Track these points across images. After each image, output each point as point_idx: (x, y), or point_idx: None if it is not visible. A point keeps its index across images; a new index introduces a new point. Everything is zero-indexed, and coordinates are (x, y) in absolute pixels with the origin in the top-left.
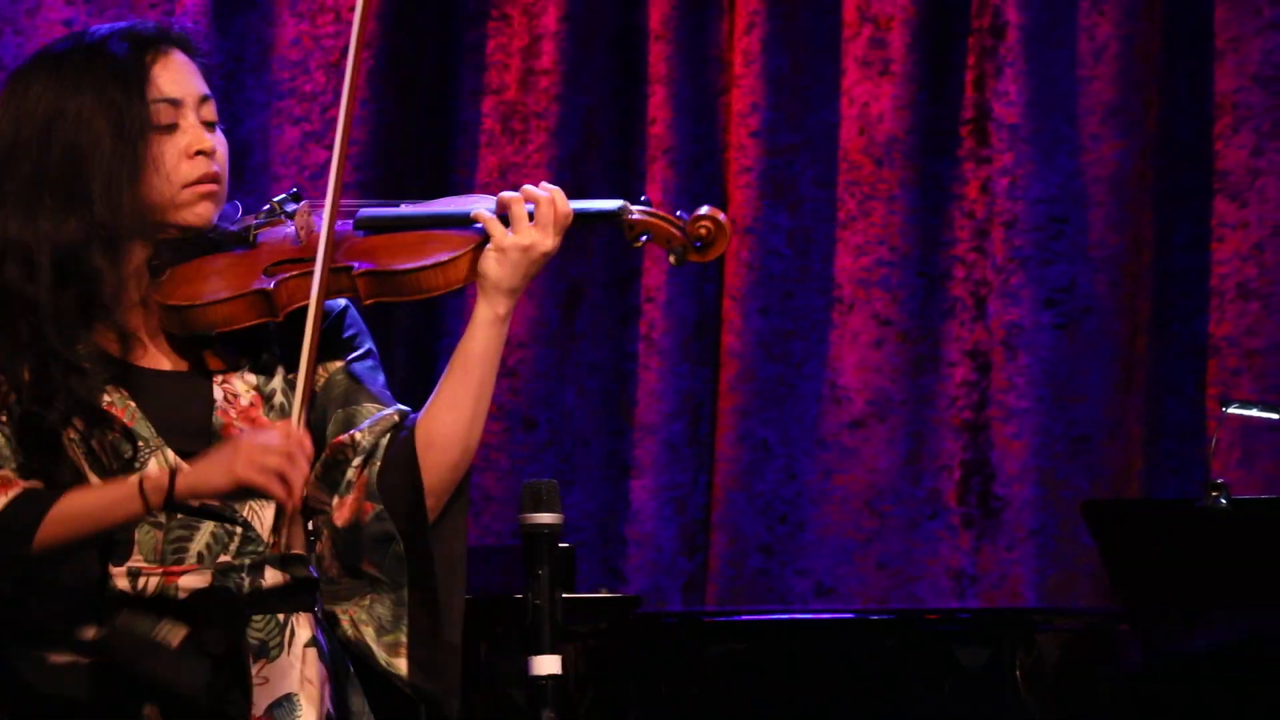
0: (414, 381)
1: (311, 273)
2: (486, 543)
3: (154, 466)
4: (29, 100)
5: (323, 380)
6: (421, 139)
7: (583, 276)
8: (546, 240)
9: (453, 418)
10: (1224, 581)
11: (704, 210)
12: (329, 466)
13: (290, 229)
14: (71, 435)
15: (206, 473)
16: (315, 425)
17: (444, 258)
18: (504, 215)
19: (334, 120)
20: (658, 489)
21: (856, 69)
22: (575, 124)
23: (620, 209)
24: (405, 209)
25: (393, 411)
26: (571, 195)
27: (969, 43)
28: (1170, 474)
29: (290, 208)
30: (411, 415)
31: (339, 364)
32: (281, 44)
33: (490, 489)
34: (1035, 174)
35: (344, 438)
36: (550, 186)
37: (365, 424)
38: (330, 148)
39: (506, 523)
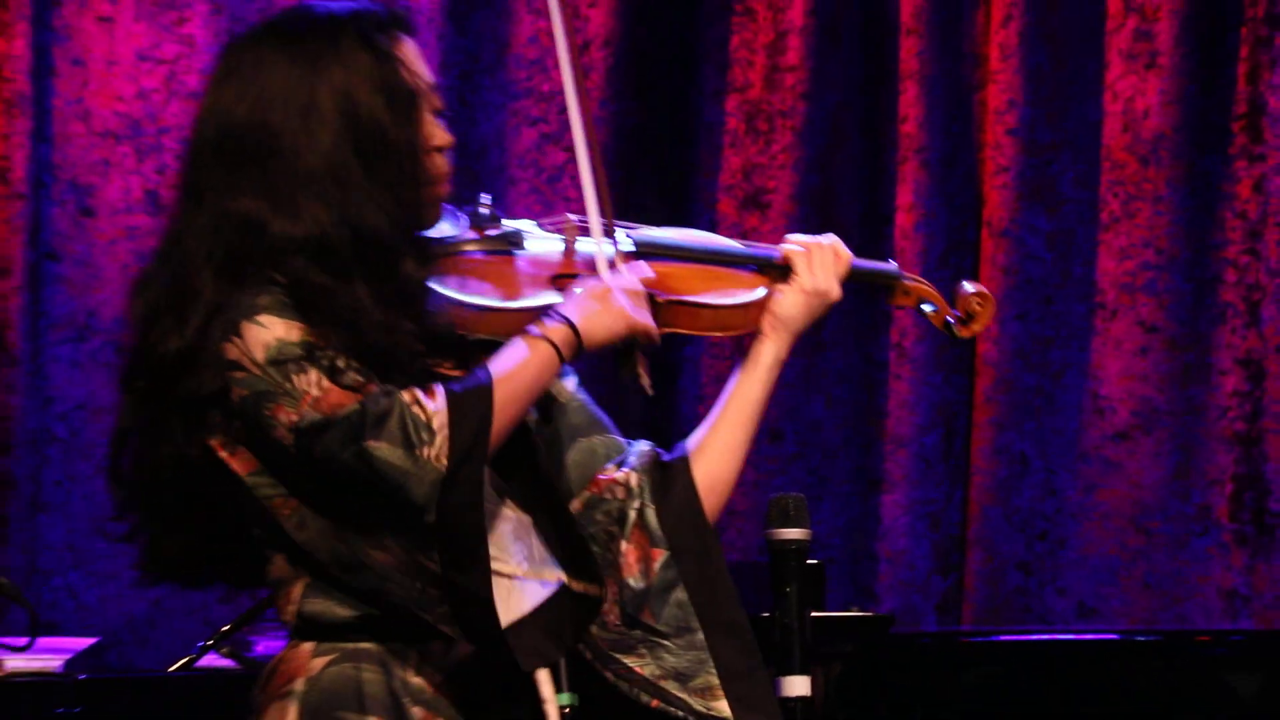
0: None
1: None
2: (732, 559)
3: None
4: (271, 82)
5: (560, 400)
6: (661, 140)
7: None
8: (835, 288)
9: (730, 461)
10: None
11: (972, 288)
12: (595, 502)
13: (548, 240)
14: None
15: (602, 321)
16: (550, 442)
17: (745, 298)
18: (786, 263)
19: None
20: (910, 504)
21: (1121, 62)
22: (822, 123)
23: (898, 273)
24: (678, 237)
25: (650, 449)
26: (820, 198)
27: (1242, 33)
28: None
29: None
30: (666, 451)
31: (570, 387)
32: (518, 42)
33: (735, 503)
34: None
35: (616, 475)
36: (831, 236)
37: (633, 462)
38: (569, 150)
39: (753, 538)
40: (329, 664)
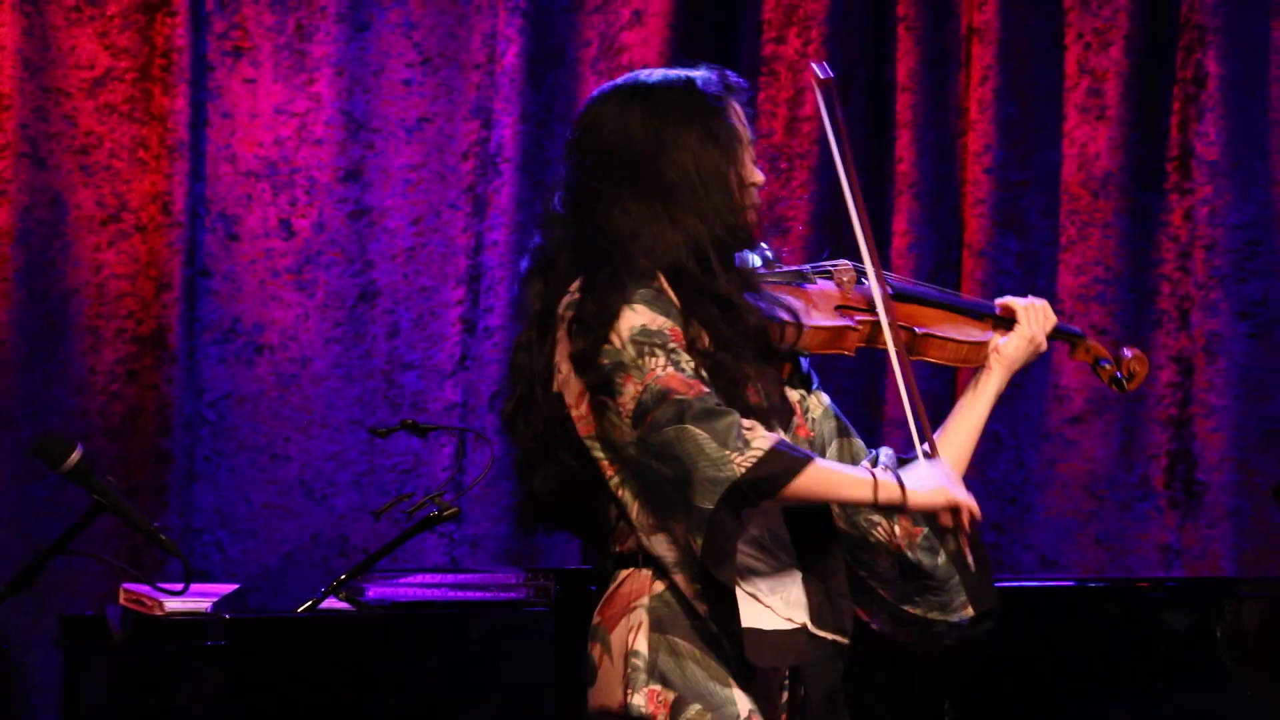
0: None
1: (877, 320)
2: None
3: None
4: (636, 121)
5: (819, 408)
6: None
7: None
8: (1044, 340)
9: (961, 463)
10: None
11: (1131, 353)
12: None
13: (826, 279)
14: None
15: (931, 494)
16: (815, 444)
17: (980, 338)
18: (1007, 314)
19: None
20: None
21: (1076, 114)
22: (832, 163)
23: (1083, 335)
24: (923, 287)
25: (893, 453)
26: (830, 224)
27: (1174, 91)
28: None
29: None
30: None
31: (825, 401)
32: (584, 97)
33: None
34: (1232, 204)
35: None
36: (1043, 301)
37: (884, 463)
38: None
39: None
40: (667, 588)
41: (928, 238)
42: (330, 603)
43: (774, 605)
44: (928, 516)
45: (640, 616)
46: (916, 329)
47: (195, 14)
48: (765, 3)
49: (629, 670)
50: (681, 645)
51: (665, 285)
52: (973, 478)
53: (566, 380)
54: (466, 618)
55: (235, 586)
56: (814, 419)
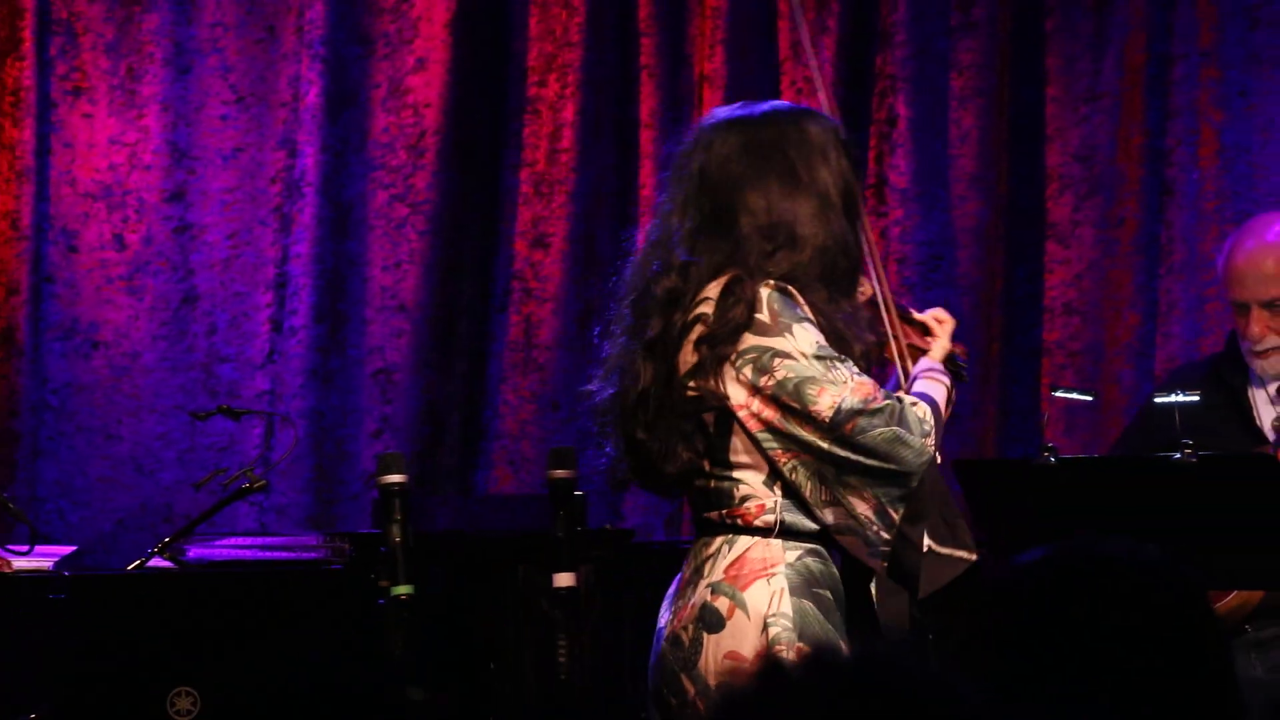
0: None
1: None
2: (522, 493)
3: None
4: (811, 138)
5: None
6: (476, 199)
7: (596, 297)
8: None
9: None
10: (1051, 518)
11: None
12: None
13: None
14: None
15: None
16: None
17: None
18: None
19: (413, 186)
20: None
21: None
22: (587, 188)
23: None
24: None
25: None
26: (585, 241)
27: (871, 130)
28: (1015, 441)
29: None
30: None
31: None
32: (375, 131)
33: (525, 451)
34: (919, 224)
35: None
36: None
37: None
38: (412, 205)
39: (539, 478)
40: (799, 556)
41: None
42: (156, 562)
43: (938, 543)
44: None
45: (781, 582)
46: (919, 347)
47: (40, 58)
48: (529, 52)
49: (772, 629)
50: (810, 608)
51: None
52: None
53: (721, 383)
54: (274, 575)
55: (74, 548)
56: None
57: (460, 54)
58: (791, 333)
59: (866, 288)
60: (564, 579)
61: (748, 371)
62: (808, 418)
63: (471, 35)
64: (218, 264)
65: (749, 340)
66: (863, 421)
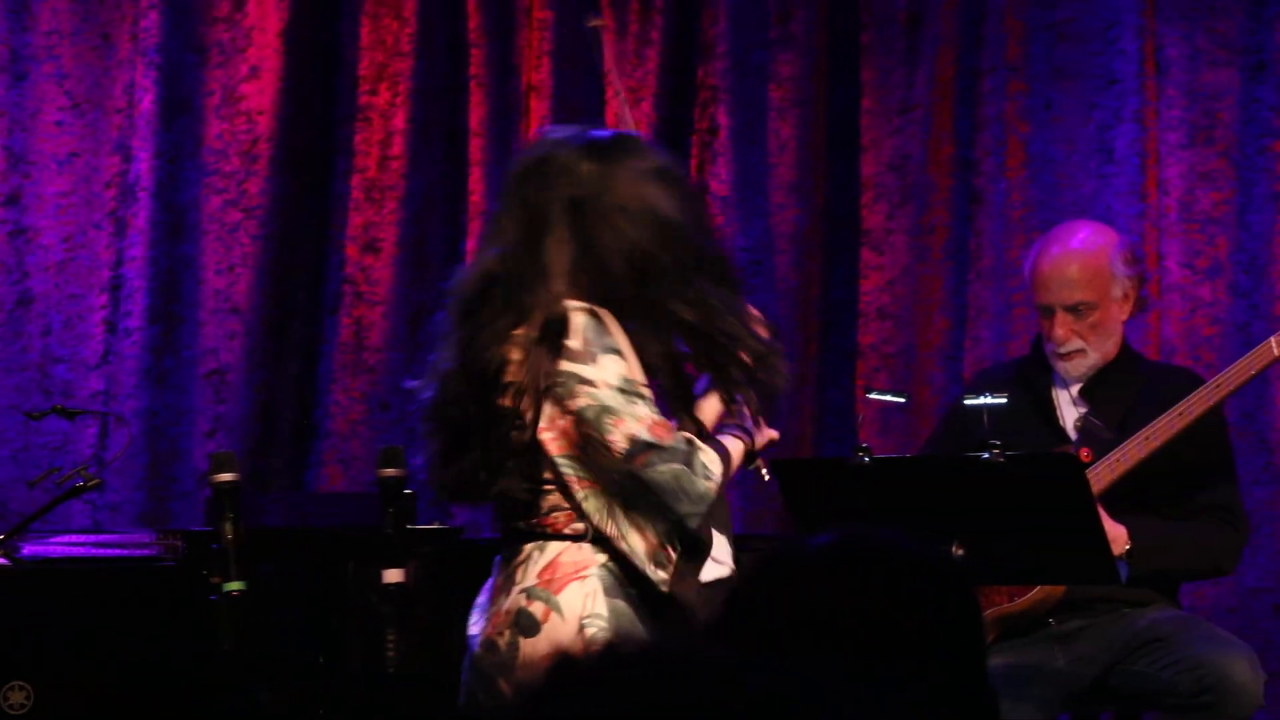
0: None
1: None
2: (354, 490)
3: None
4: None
5: None
6: (308, 204)
7: (427, 300)
8: None
9: None
10: (865, 513)
11: None
12: None
13: None
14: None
15: (760, 437)
16: None
17: None
18: None
19: (246, 191)
20: None
21: None
22: (417, 194)
23: None
24: None
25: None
26: (415, 246)
27: (693, 139)
28: (832, 440)
29: None
30: None
31: None
32: (209, 138)
33: (355, 451)
34: (740, 230)
35: None
36: None
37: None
38: (245, 210)
39: (369, 476)
40: (610, 559)
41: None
42: None
43: (721, 558)
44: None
45: (594, 584)
46: None
47: None
48: (361, 61)
49: (588, 629)
50: (624, 607)
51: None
52: None
53: (533, 405)
54: (107, 571)
55: None
56: None
57: (293, 62)
58: (598, 361)
59: None
60: (393, 575)
61: (554, 395)
62: (603, 447)
63: (304, 44)
64: (53, 267)
65: (558, 365)
66: (653, 457)
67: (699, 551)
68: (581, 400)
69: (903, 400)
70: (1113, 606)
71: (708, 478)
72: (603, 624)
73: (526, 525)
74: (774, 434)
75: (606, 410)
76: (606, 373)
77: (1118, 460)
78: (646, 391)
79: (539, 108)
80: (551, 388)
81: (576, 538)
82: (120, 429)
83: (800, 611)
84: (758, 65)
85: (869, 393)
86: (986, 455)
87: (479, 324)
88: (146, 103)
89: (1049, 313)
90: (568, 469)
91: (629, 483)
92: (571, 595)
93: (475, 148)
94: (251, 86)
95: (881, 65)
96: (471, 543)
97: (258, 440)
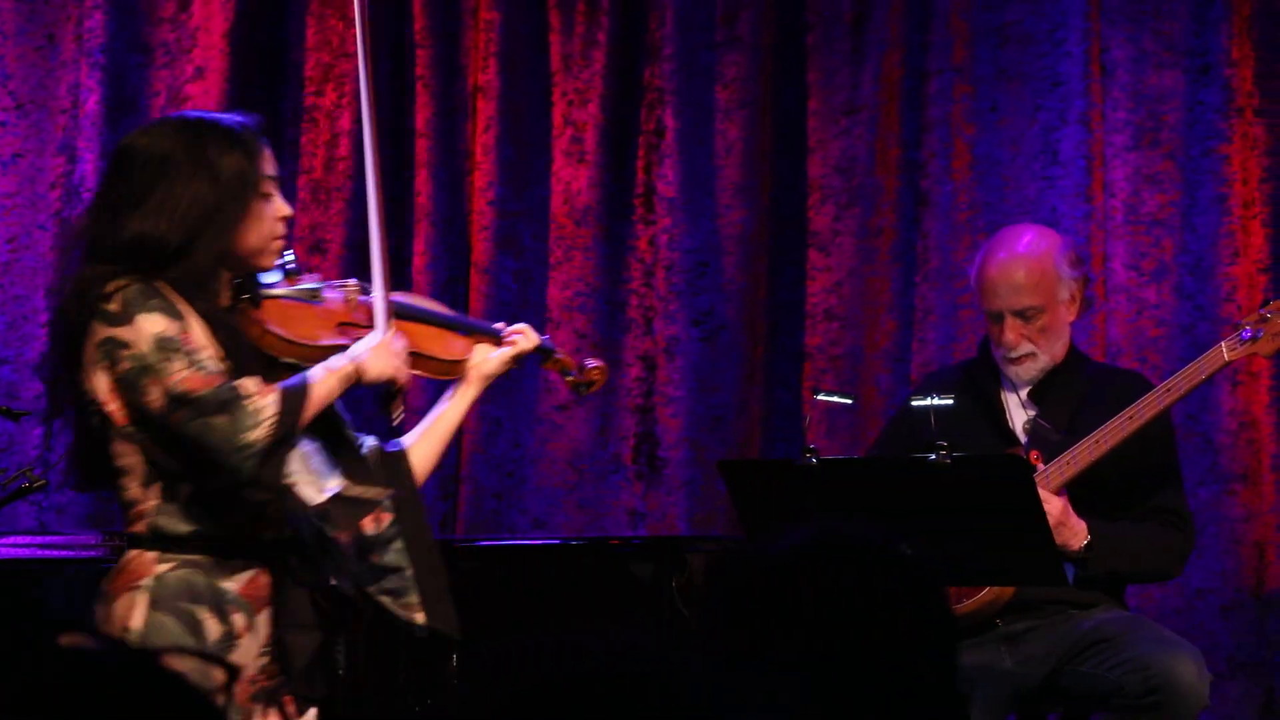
0: None
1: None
2: None
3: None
4: (171, 145)
5: None
6: None
7: None
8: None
9: (434, 458)
10: (813, 515)
11: (595, 364)
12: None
13: (337, 295)
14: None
15: (376, 366)
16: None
17: (455, 357)
18: (499, 335)
19: None
20: None
21: (562, 158)
22: (363, 196)
23: (552, 348)
24: (426, 306)
25: (376, 442)
26: (362, 247)
27: (640, 141)
28: (779, 441)
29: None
30: (391, 444)
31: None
32: None
33: None
34: (687, 232)
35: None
36: (525, 325)
37: (365, 450)
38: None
39: None
40: (171, 569)
41: (442, 258)
42: None
43: (303, 475)
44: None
45: (143, 595)
46: (419, 351)
47: None
48: (307, 62)
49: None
50: (170, 623)
51: (173, 292)
52: (478, 454)
53: (96, 377)
54: (54, 571)
55: None
56: None
57: (238, 63)
58: (133, 322)
59: (353, 287)
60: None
61: (105, 365)
62: (144, 410)
63: (249, 45)
64: None
65: (101, 331)
66: (186, 413)
67: (275, 507)
68: (124, 365)
69: (850, 402)
70: (1060, 608)
71: (253, 425)
72: (136, 640)
73: (124, 526)
74: (406, 372)
75: (144, 371)
76: (142, 331)
77: (1068, 463)
78: (195, 347)
79: (485, 109)
80: (100, 357)
81: (142, 540)
82: (66, 431)
83: (778, 607)
84: (704, 67)
85: (816, 394)
86: (933, 457)
87: (70, 300)
88: (91, 103)
89: (998, 318)
90: (132, 443)
91: (171, 444)
92: (121, 606)
93: (421, 149)
94: (197, 87)
95: (827, 66)
96: None
97: None
